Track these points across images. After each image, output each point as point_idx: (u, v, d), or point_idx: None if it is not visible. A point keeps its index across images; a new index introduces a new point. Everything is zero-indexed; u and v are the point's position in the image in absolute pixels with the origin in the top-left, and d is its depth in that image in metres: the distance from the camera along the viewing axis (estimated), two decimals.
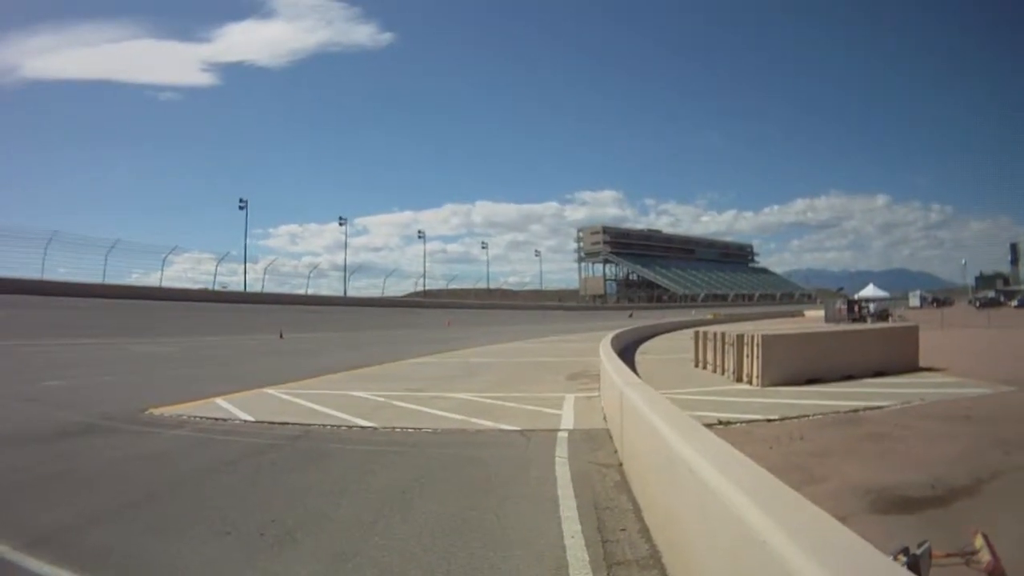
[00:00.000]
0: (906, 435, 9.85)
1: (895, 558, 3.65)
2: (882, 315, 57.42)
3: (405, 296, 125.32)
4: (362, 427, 11.47)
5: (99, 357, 27.19)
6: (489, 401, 14.08)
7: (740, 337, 17.01)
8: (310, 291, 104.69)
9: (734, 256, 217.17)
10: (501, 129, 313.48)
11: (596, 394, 14.00)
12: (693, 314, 79.27)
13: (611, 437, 9.54)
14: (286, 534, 5.80)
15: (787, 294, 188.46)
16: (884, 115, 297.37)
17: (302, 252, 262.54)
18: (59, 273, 74.66)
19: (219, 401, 14.27)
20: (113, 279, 76.89)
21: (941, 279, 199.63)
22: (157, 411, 13.09)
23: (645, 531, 5.61)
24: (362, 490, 7.35)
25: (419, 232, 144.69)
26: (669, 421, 5.13)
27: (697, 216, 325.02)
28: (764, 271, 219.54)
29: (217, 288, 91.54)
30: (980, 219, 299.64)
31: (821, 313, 63.64)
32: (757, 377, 15.90)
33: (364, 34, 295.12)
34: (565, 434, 10.41)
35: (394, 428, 11.30)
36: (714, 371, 18.83)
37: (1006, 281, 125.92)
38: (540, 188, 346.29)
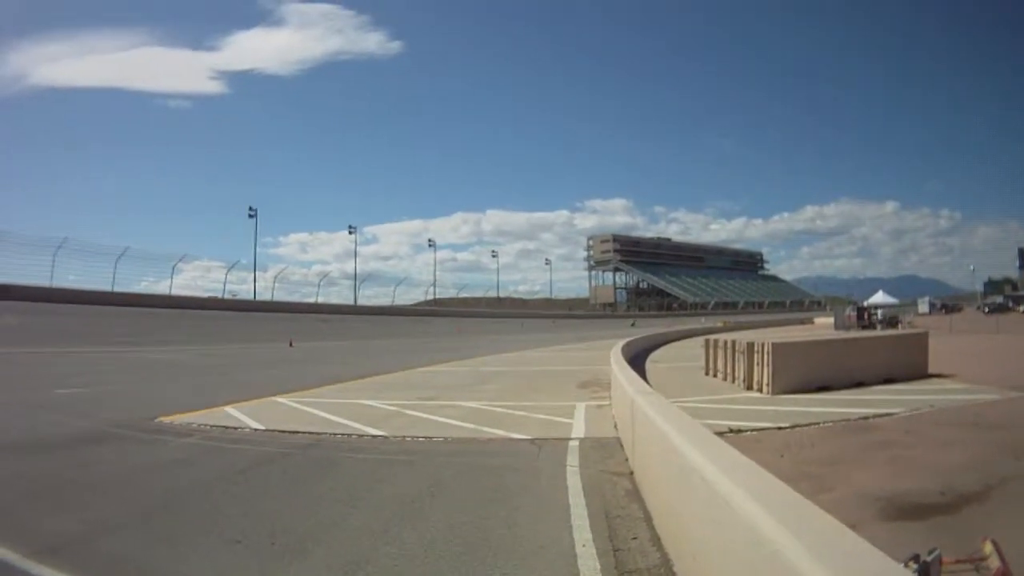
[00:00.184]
0: (915, 442, 9.82)
1: (906, 565, 3.65)
2: (891, 322, 57.30)
3: (415, 305, 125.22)
4: (373, 436, 11.44)
5: (109, 365, 27.26)
6: (500, 410, 14.05)
7: (750, 345, 16.96)
8: (320, 299, 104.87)
9: (744, 264, 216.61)
10: (511, 137, 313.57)
11: (607, 402, 13.96)
12: (703, 322, 79.20)
13: (622, 446, 9.50)
14: (297, 543, 5.78)
15: (797, 301, 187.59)
16: (894, 122, 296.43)
17: (312, 260, 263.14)
18: (68, 280, 74.75)
19: (229, 409, 14.27)
20: (122, 287, 77.15)
21: (950, 285, 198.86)
22: (167, 419, 13.09)
23: (656, 540, 5.57)
24: (373, 499, 7.33)
25: (429, 241, 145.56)
26: (680, 429, 5.11)
27: (707, 224, 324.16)
28: (774, 279, 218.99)
29: (227, 296, 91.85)
30: (989, 224, 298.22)
31: (831, 320, 63.41)
32: (767, 385, 15.83)
33: (373, 42, 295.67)
34: (576, 443, 10.38)
35: (405, 437, 11.28)
36: (724, 379, 18.78)
37: (1015, 286, 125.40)
38: (550, 196, 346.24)
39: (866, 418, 11.98)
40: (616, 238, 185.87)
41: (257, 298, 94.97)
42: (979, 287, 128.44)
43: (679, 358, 29.43)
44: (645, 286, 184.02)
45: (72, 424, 12.60)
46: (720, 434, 7.63)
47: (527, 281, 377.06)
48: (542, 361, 31.00)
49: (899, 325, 54.32)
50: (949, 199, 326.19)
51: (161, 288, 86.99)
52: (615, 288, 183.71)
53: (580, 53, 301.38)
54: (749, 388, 16.54)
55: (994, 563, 4.41)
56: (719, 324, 69.49)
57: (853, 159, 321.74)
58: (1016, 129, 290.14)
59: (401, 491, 7.61)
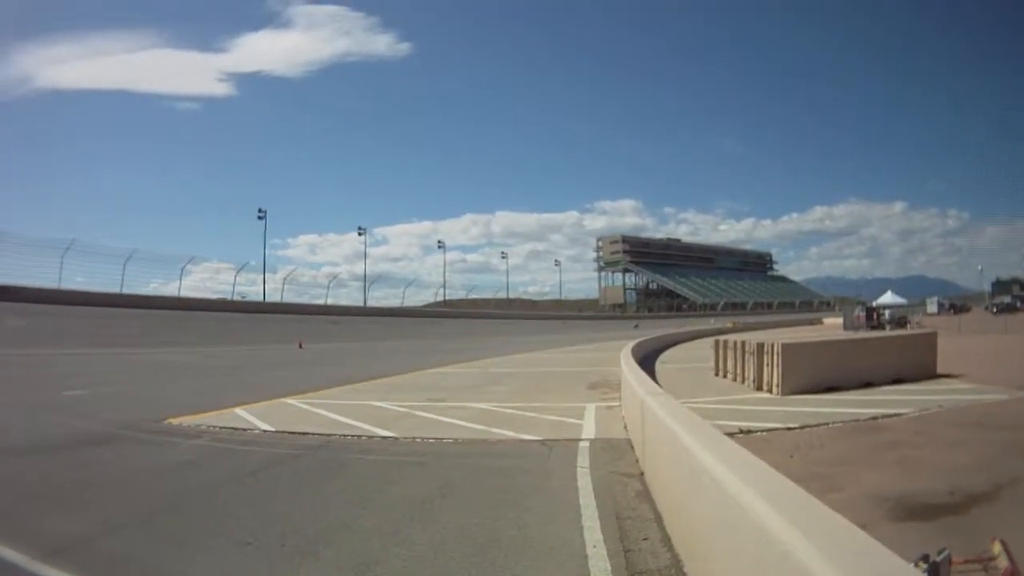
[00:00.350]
0: (924, 442, 9.83)
1: (916, 565, 3.65)
2: (900, 322, 57.17)
3: (425, 306, 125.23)
4: (383, 437, 11.45)
5: (117, 366, 27.38)
6: (510, 411, 14.05)
7: (760, 346, 16.94)
8: (329, 301, 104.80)
9: (753, 264, 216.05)
10: (520, 139, 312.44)
11: (617, 403, 13.95)
12: (712, 323, 79.03)
13: (632, 447, 9.48)
14: (307, 545, 5.78)
15: (806, 302, 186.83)
16: (902, 122, 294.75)
17: (321, 262, 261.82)
18: (76, 282, 74.99)
19: (238, 411, 14.30)
20: (131, 289, 77.07)
21: (959, 285, 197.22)
22: (176, 421, 13.14)
23: (667, 540, 5.56)
24: (383, 500, 7.33)
25: (438, 242, 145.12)
26: (691, 430, 5.10)
27: (716, 225, 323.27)
28: (783, 279, 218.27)
29: (236, 298, 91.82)
30: (997, 224, 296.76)
31: (840, 321, 63.34)
32: (777, 385, 15.81)
33: (382, 44, 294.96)
34: (586, 444, 10.36)
35: (415, 438, 11.28)
36: (734, 380, 18.75)
37: (1023, 286, 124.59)
38: (560, 197, 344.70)
39: (875, 418, 11.96)
40: (626, 239, 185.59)
41: (266, 300, 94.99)
42: (987, 287, 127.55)
43: (689, 359, 29.41)
44: (655, 287, 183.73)
45: (80, 425, 12.65)
46: (730, 435, 7.62)
47: (537, 282, 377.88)
48: (552, 362, 31.01)
49: (908, 325, 54.18)
50: (957, 199, 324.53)
51: (170, 290, 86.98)
52: (625, 289, 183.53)
53: (588, 55, 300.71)
54: (759, 389, 16.51)
55: (1003, 563, 4.42)
56: (728, 325, 69.30)
57: (862, 159, 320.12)
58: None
59: (411, 492, 7.61)
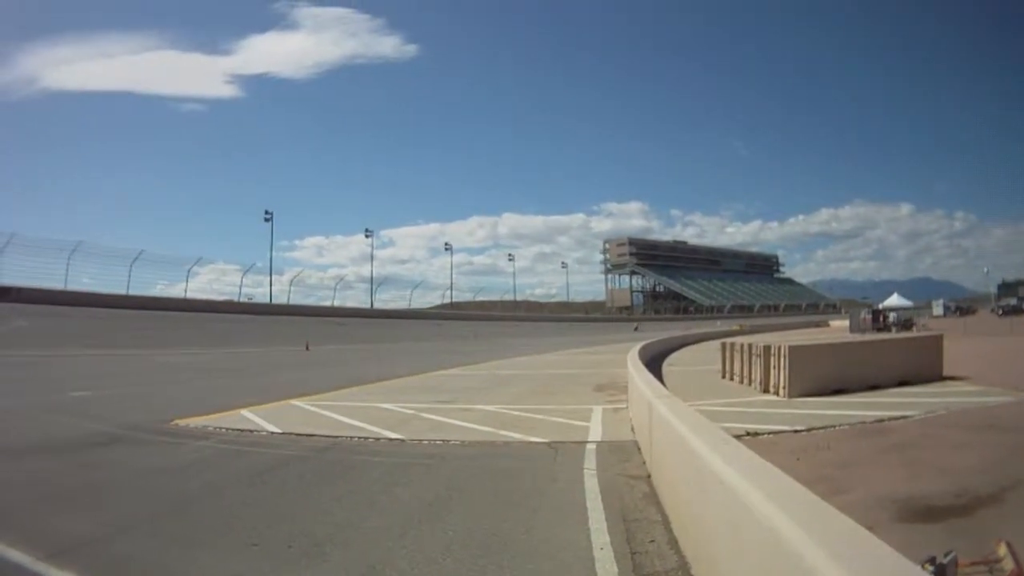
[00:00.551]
0: (931, 445, 9.81)
1: (922, 567, 3.63)
2: (906, 324, 57.07)
3: (431, 308, 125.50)
4: (390, 439, 11.45)
5: (124, 367, 27.49)
6: (517, 413, 14.03)
7: (767, 348, 16.90)
8: (336, 303, 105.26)
9: (759, 267, 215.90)
10: (527, 141, 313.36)
11: (624, 406, 13.94)
12: (719, 325, 79.04)
13: (639, 449, 9.46)
14: (314, 546, 5.77)
15: (812, 304, 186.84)
16: (908, 124, 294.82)
17: (328, 264, 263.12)
18: (83, 283, 75.53)
19: (245, 413, 14.32)
20: (137, 290, 77.60)
21: (964, 288, 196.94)
22: (183, 422, 13.16)
23: (674, 542, 5.54)
24: (390, 502, 7.31)
25: (445, 244, 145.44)
26: (698, 432, 5.08)
27: (722, 227, 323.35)
28: (789, 281, 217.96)
29: (242, 300, 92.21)
30: (1003, 226, 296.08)
31: (846, 323, 63.25)
32: (784, 388, 15.77)
33: (389, 46, 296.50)
34: (593, 446, 10.34)
35: (422, 440, 11.28)
36: (741, 382, 18.71)
37: None
38: (566, 200, 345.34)
39: (881, 421, 11.92)
40: (632, 241, 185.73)
41: (273, 301, 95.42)
42: (993, 289, 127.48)
43: (696, 361, 29.38)
44: (661, 289, 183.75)
45: (87, 426, 12.68)
46: (737, 437, 7.61)
47: (544, 284, 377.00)
48: (558, 364, 31.01)
49: (913, 328, 54.10)
50: (963, 201, 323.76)
51: (176, 291, 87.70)
52: (631, 291, 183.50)
53: (594, 58, 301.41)
54: (765, 391, 16.47)
55: (1008, 565, 4.42)
56: (735, 327, 69.34)
57: (868, 161, 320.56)
58: None
59: (418, 494, 7.60)
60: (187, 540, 6.08)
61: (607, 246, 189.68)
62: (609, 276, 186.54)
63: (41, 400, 16.85)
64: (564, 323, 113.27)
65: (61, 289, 68.23)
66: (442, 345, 53.62)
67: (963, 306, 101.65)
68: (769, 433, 11.19)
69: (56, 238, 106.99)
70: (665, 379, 18.59)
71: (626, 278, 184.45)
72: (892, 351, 19.58)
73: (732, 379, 19.75)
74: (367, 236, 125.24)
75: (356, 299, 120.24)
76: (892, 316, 60.68)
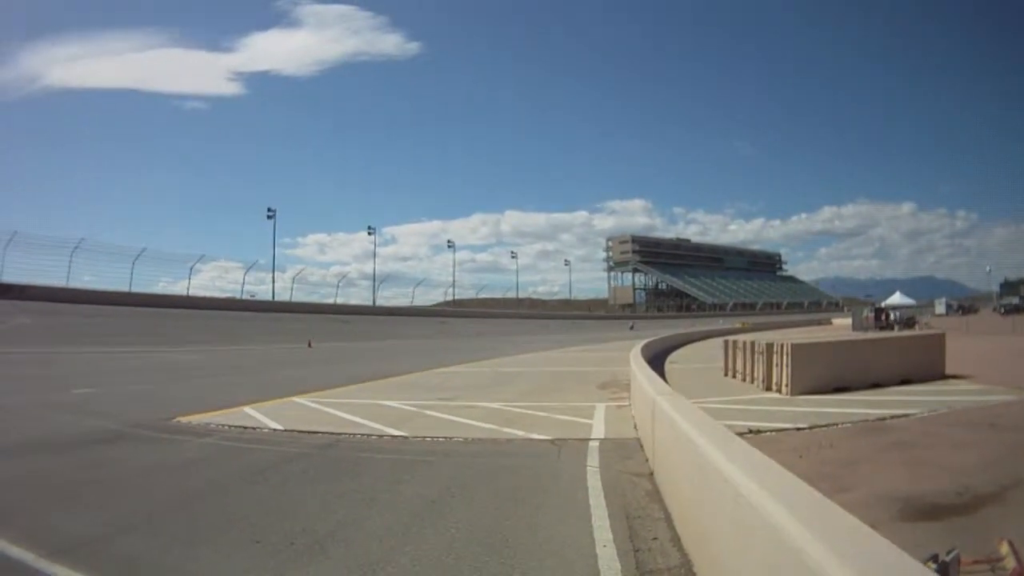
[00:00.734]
0: (933, 443, 9.81)
1: (925, 565, 3.63)
2: (908, 323, 57.14)
3: (434, 306, 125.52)
4: (392, 436, 11.44)
5: (127, 365, 27.51)
6: (519, 410, 14.03)
7: (769, 346, 16.90)
8: (339, 300, 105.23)
9: (762, 265, 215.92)
10: (530, 138, 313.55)
11: (626, 403, 13.94)
12: (721, 323, 79.12)
13: (642, 446, 9.45)
14: (316, 544, 5.77)
15: (815, 302, 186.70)
16: (911, 122, 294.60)
17: (330, 261, 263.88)
18: (84, 281, 75.33)
19: (247, 410, 14.32)
20: (140, 287, 77.52)
21: (967, 286, 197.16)
22: (185, 419, 13.16)
23: (677, 540, 5.54)
24: (393, 499, 7.30)
25: (448, 242, 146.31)
26: (701, 430, 5.08)
27: (726, 225, 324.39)
28: (792, 279, 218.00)
29: (245, 297, 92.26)
30: (1005, 225, 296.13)
31: (848, 321, 63.40)
32: (786, 386, 15.77)
33: (391, 43, 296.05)
34: (596, 443, 10.35)
35: (424, 437, 11.27)
36: (744, 380, 18.72)
37: None
38: (569, 197, 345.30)
39: (883, 419, 11.93)
40: (635, 239, 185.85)
41: (276, 299, 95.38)
42: (995, 288, 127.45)
43: (698, 359, 29.41)
44: (664, 287, 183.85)
45: (89, 424, 12.70)
46: (740, 434, 7.60)
47: (546, 282, 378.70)
48: (561, 362, 31.01)
49: (916, 326, 54.13)
50: (965, 200, 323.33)
51: (179, 289, 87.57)
52: (634, 289, 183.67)
53: (597, 55, 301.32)
54: (768, 389, 16.48)
55: (1010, 563, 4.43)
56: (738, 325, 69.37)
57: (871, 160, 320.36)
58: None
59: (421, 491, 7.60)
60: (189, 537, 6.08)
61: (610, 244, 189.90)
62: (612, 274, 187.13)
63: (44, 397, 16.85)
64: (567, 321, 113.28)
65: (64, 287, 68.27)
66: (444, 342, 53.68)
67: (965, 305, 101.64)
68: (771, 431, 11.20)
69: (58, 235, 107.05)
70: (667, 376, 18.58)
71: (629, 276, 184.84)
72: (894, 349, 19.56)
73: (735, 377, 19.76)
74: (370, 233, 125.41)
75: (359, 296, 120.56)
76: (894, 315, 60.65)
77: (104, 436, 11.47)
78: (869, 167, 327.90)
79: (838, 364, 16.82)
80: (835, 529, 2.69)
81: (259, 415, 13.62)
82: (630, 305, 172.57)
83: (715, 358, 23.20)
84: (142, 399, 16.90)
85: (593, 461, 9.07)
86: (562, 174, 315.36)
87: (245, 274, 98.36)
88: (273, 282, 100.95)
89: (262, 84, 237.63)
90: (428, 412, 13.98)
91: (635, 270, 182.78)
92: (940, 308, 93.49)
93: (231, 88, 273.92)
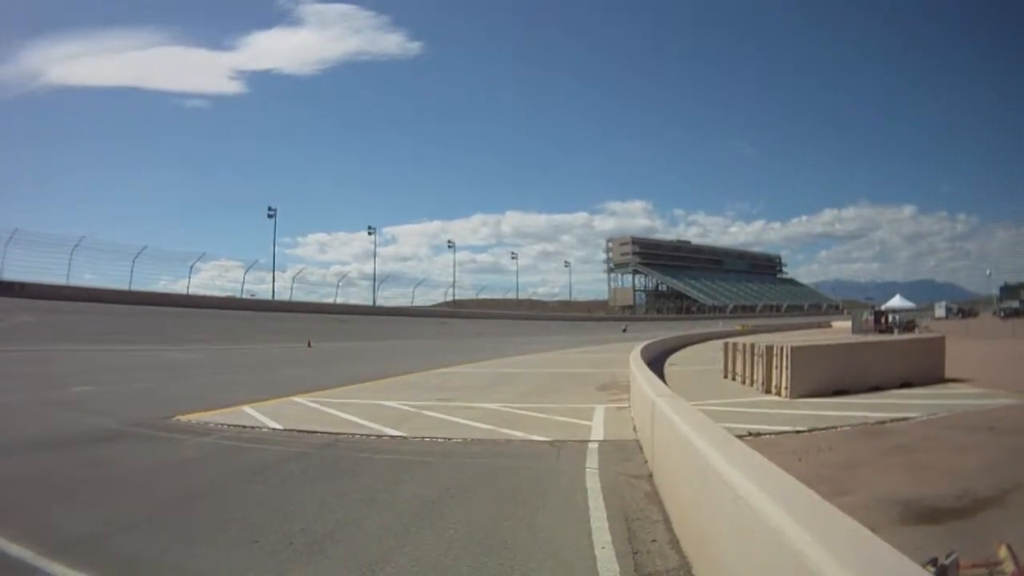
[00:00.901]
0: (933, 446, 9.81)
1: (924, 568, 3.63)
2: (908, 326, 57.19)
3: (434, 306, 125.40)
4: (391, 436, 11.45)
5: (126, 363, 27.52)
6: (519, 411, 14.03)
7: (769, 348, 16.90)
8: (339, 300, 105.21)
9: (762, 267, 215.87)
10: (531, 139, 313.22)
11: (626, 405, 13.95)
12: (721, 325, 79.03)
13: (641, 448, 9.45)
14: (315, 543, 5.77)
15: (814, 305, 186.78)
16: (912, 125, 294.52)
17: (331, 261, 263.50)
18: (85, 279, 75.22)
19: (247, 409, 14.33)
20: (140, 286, 77.60)
21: (967, 290, 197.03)
22: (184, 418, 13.17)
23: (675, 542, 5.54)
24: (392, 500, 7.30)
25: (448, 242, 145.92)
26: (701, 432, 5.08)
27: (726, 227, 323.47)
28: (792, 282, 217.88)
29: (245, 296, 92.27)
30: (1006, 229, 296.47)
31: (848, 324, 63.45)
32: (786, 388, 15.76)
33: (393, 43, 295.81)
34: (595, 445, 10.35)
35: (424, 438, 11.27)
36: (743, 382, 18.71)
37: None
38: (570, 198, 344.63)
39: (883, 422, 11.93)
40: (635, 240, 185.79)
41: (275, 298, 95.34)
42: (995, 292, 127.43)
43: (698, 361, 29.42)
44: (664, 289, 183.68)
45: (88, 422, 12.70)
46: (739, 437, 7.62)
47: (546, 283, 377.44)
48: (560, 363, 31.02)
49: (916, 329, 54.17)
50: (966, 203, 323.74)
51: (179, 287, 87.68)
52: (634, 291, 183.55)
53: (598, 56, 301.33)
54: (767, 392, 16.46)
55: (1009, 567, 4.42)
56: (737, 327, 69.29)
57: (872, 162, 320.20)
58: None
59: (420, 492, 7.60)
60: (188, 536, 6.08)
61: (610, 245, 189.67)
62: (612, 275, 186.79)
63: (43, 395, 16.85)
64: (566, 322, 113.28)
65: (65, 285, 68.29)
66: (444, 343, 53.65)
67: (965, 308, 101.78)
68: (771, 433, 11.20)
69: (58, 233, 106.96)
70: (667, 379, 18.58)
71: (629, 277, 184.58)
72: (894, 353, 19.58)
73: (734, 379, 19.76)
74: (370, 233, 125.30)
75: (359, 296, 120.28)
76: (894, 318, 60.71)
77: (103, 434, 11.48)
78: (870, 170, 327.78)
79: (838, 367, 16.82)
80: (835, 532, 2.69)
81: (258, 414, 13.62)
82: (630, 307, 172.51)
83: (714, 360, 23.18)
84: (141, 397, 16.91)
85: (592, 463, 9.07)
86: (563, 175, 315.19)
87: (245, 273, 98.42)
88: (273, 281, 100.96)
89: (263, 83, 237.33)
90: (427, 412, 13.97)
91: (635, 272, 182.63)
92: (940, 311, 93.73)
93: (232, 87, 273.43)
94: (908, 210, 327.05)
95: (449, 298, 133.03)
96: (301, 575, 5.15)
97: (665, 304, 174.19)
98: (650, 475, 7.95)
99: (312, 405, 15.17)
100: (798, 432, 11.24)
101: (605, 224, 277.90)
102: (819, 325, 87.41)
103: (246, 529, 6.21)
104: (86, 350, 33.10)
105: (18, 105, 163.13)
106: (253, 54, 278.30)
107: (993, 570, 4.52)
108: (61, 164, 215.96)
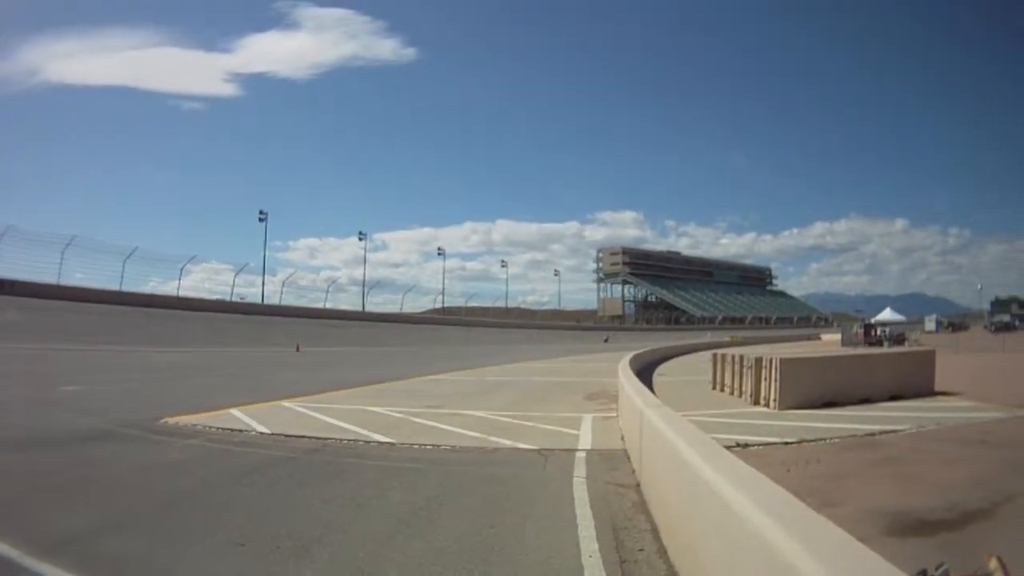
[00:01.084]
0: (922, 459, 9.85)
1: None
2: (898, 339, 57.39)
3: (423, 313, 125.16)
4: (379, 442, 11.43)
5: (115, 363, 27.45)
6: (507, 419, 14.00)
7: (758, 360, 16.93)
8: (328, 305, 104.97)
9: (752, 279, 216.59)
10: (523, 148, 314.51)
11: (614, 414, 13.94)
12: (710, 336, 79.08)
13: (629, 457, 9.45)
14: (302, 548, 5.74)
15: (804, 317, 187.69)
16: (905, 139, 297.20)
17: (321, 266, 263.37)
18: (75, 279, 74.85)
19: (235, 412, 14.28)
20: (130, 287, 77.21)
21: (957, 304, 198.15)
22: (172, 420, 13.13)
23: (663, 552, 5.53)
24: (379, 506, 7.29)
25: (438, 249, 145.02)
26: (689, 442, 5.09)
27: (717, 238, 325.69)
28: (782, 294, 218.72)
29: (235, 299, 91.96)
30: (997, 243, 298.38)
31: (838, 337, 63.73)
32: (774, 400, 15.79)
33: (387, 48, 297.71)
34: (583, 454, 10.34)
35: (412, 444, 11.24)
36: (732, 393, 18.73)
37: (1021, 305, 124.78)
38: (561, 208, 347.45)
39: (873, 434, 11.96)
40: (626, 251, 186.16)
41: (265, 302, 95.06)
42: (986, 306, 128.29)
43: (686, 372, 29.41)
44: (654, 299, 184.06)
45: (76, 422, 12.66)
46: (727, 448, 7.62)
47: (536, 292, 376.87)
48: (549, 372, 30.97)
49: (905, 343, 54.37)
50: (958, 217, 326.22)
51: (168, 289, 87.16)
52: (624, 301, 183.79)
53: (593, 67, 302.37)
54: (756, 403, 16.48)
55: None
56: (726, 339, 69.40)
57: (864, 176, 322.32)
58: None
59: (408, 498, 7.58)
60: (175, 538, 6.05)
61: (600, 255, 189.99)
62: (601, 285, 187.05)
63: (31, 394, 16.80)
64: (555, 331, 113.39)
65: (55, 284, 67.98)
66: (433, 350, 53.62)
67: (956, 322, 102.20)
68: (759, 445, 11.21)
69: (50, 231, 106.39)
70: (656, 389, 18.60)
71: (618, 287, 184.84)
72: (884, 365, 19.64)
73: (723, 390, 19.77)
74: (360, 239, 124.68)
75: (348, 302, 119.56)
76: (884, 331, 60.96)
77: (90, 435, 11.45)
78: (862, 183, 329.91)
79: (827, 379, 16.86)
80: (824, 543, 2.69)
81: (246, 418, 13.57)
82: (619, 317, 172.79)
83: (703, 371, 23.23)
84: (130, 398, 16.87)
85: (580, 471, 9.05)
86: (554, 184, 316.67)
87: (235, 276, 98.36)
88: (263, 285, 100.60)
89: (258, 86, 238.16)
90: (415, 419, 13.94)
91: (625, 282, 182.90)
92: (930, 325, 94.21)
93: (227, 89, 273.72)
94: (900, 224, 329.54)
95: (438, 305, 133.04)
96: None
97: (654, 314, 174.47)
98: (638, 484, 7.94)
99: (300, 409, 15.13)
100: (787, 444, 11.25)
101: (596, 234, 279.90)
102: (808, 338, 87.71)
103: (233, 532, 6.19)
104: (75, 349, 33.00)
105: (14, 101, 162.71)
106: (249, 57, 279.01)
107: None
108: (55, 162, 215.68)
